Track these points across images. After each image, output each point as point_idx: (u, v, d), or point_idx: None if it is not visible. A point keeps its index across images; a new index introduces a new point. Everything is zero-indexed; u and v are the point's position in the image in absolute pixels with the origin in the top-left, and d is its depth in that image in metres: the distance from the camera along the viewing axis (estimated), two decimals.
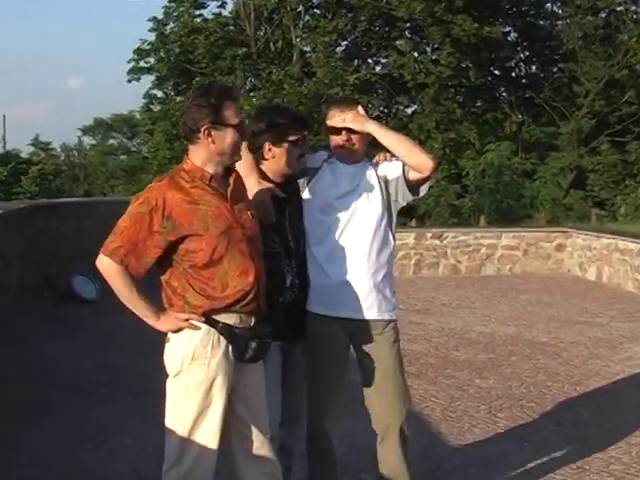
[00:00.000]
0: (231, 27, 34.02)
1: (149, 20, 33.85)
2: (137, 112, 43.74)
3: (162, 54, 33.91)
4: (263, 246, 3.83)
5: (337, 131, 4.25)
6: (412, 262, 14.96)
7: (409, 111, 34.82)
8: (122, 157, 51.34)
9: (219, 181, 3.67)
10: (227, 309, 3.62)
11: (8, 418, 6.31)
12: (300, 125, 4.21)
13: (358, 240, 4.22)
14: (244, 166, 3.92)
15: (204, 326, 3.61)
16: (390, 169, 4.29)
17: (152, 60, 34.32)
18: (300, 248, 4.25)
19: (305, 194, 4.29)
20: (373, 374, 4.27)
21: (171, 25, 34.04)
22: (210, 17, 33.84)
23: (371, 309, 4.23)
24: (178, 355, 3.62)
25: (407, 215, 23.00)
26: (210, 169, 3.63)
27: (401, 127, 28.51)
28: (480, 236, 15.38)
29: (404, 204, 4.37)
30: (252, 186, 3.95)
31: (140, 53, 34.03)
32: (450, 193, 27.18)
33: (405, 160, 4.20)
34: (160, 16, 33.91)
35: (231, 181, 3.71)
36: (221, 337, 3.63)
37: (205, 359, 3.60)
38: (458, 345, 9.20)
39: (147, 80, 35.81)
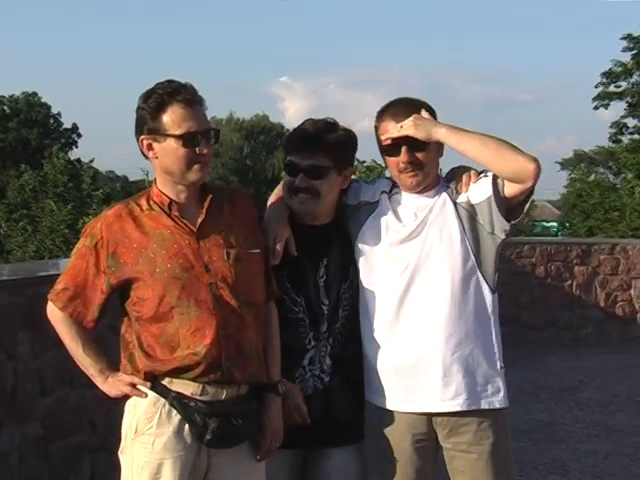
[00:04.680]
0: None
1: (622, 38, 29.02)
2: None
3: (637, 77, 29.61)
4: (280, 307, 3.17)
5: (394, 150, 3.19)
6: None
7: None
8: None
9: (185, 209, 3.02)
10: (178, 375, 2.93)
11: None
12: (293, 143, 3.30)
13: (429, 300, 3.16)
14: (272, 196, 3.39)
15: (151, 394, 2.97)
16: (475, 191, 3.20)
17: (623, 84, 29.99)
18: (340, 317, 3.25)
19: (356, 240, 3.29)
20: None
21: None
22: None
23: (457, 398, 3.13)
24: (124, 428, 3.06)
25: None
26: (170, 193, 3.01)
27: None
28: None
29: (503, 237, 3.19)
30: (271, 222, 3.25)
31: (610, 76, 29.29)
32: None
33: (496, 169, 3.11)
34: (636, 33, 29.01)
35: (204, 209, 3.01)
36: (173, 410, 2.94)
37: (149, 436, 2.96)
38: None
39: (617, 107, 31.25)
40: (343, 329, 3.26)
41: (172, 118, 2.91)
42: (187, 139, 2.91)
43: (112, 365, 3.16)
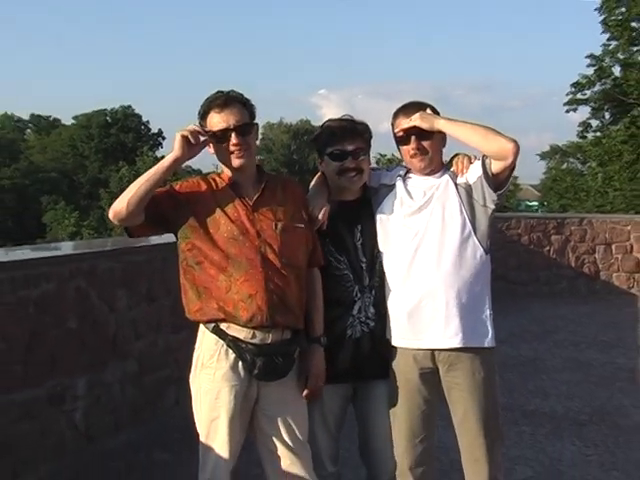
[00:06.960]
0: None
1: (587, 57, 28.45)
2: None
3: (598, 87, 28.57)
4: (328, 267, 3.11)
5: (405, 140, 3.15)
6: None
7: None
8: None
9: (246, 187, 3.03)
10: (233, 320, 2.90)
11: None
12: (337, 136, 3.18)
13: (434, 260, 3.08)
14: (313, 182, 3.29)
15: (213, 336, 2.95)
16: (470, 172, 3.13)
17: (588, 93, 29.13)
18: (378, 273, 3.17)
19: (377, 215, 3.21)
20: (456, 413, 3.13)
21: (607, 60, 28.55)
22: None
23: (455, 337, 3.05)
24: (193, 362, 3.05)
25: None
26: (234, 176, 3.02)
27: None
28: None
29: (494, 207, 3.12)
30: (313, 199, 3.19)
31: (577, 86, 28.61)
32: None
33: (483, 150, 3.04)
34: (597, 53, 28.51)
35: (260, 189, 3.02)
36: (229, 350, 2.93)
37: (211, 369, 2.96)
38: None
39: (584, 110, 30.28)
40: (381, 282, 3.19)
41: (209, 123, 2.97)
42: (218, 136, 2.95)
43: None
